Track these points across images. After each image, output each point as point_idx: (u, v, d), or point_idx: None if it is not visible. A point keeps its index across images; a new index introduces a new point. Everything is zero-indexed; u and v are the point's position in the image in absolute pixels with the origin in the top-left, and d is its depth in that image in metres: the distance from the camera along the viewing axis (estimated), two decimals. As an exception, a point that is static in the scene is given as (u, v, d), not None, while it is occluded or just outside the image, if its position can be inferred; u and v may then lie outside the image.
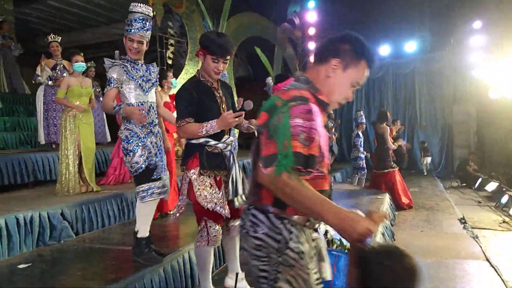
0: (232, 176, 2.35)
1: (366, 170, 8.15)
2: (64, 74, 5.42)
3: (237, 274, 2.51)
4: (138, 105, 2.67)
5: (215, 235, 2.30)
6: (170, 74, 4.33)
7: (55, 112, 5.41)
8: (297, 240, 1.37)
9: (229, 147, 2.39)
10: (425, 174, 11.58)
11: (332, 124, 9.19)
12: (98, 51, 8.13)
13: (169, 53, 8.03)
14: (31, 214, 3.23)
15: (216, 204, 2.28)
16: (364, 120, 8.18)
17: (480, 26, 11.31)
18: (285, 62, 12.87)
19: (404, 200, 6.99)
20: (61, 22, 9.07)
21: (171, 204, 4.21)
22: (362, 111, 8.46)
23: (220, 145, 2.34)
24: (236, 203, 2.39)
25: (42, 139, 5.46)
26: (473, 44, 11.39)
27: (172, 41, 8.31)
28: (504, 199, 7.36)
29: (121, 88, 2.65)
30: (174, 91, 4.53)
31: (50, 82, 5.44)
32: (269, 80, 6.27)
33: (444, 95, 12.46)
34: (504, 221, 6.28)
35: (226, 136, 2.38)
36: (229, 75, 9.43)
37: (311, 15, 13.21)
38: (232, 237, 2.53)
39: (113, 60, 2.70)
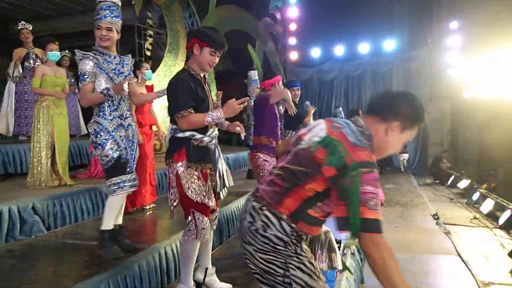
0: (218, 169, 2.37)
1: None
2: (37, 63, 5.23)
3: (206, 268, 2.53)
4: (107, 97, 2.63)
5: (203, 228, 2.29)
6: (146, 65, 4.21)
7: (26, 103, 5.24)
8: (301, 240, 1.58)
9: (214, 140, 2.39)
10: (402, 170, 11.68)
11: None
12: (74, 41, 7.86)
13: (147, 44, 7.86)
14: (0, 208, 3.11)
15: (204, 196, 2.29)
16: (343, 116, 8.26)
17: (457, 26, 11.61)
18: (265, 57, 12.84)
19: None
20: (36, 9, 8.74)
21: (148, 199, 4.14)
22: (340, 108, 8.54)
23: (206, 139, 2.34)
24: (221, 196, 2.42)
25: (3, 130, 5.27)
26: (449, 44, 11.68)
27: (151, 32, 8.14)
28: (476, 196, 7.60)
29: (94, 81, 2.59)
30: (149, 83, 4.44)
31: (16, 74, 5.24)
32: (252, 74, 6.22)
33: (420, 93, 12.69)
34: (475, 217, 6.48)
35: (211, 130, 2.39)
36: (209, 69, 9.34)
37: (293, 11, 13.24)
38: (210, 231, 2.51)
39: (84, 52, 2.62)
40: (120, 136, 2.67)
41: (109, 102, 2.64)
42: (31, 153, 4.04)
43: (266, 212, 1.56)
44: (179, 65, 7.93)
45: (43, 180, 3.99)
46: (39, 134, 4.01)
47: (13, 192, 3.80)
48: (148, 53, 7.99)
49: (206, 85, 2.43)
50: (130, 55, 2.87)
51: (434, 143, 12.30)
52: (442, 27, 11.90)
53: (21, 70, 5.26)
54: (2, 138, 5.82)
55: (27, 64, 5.31)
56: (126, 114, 2.74)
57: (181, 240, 2.38)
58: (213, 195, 2.39)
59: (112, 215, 2.70)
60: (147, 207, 4.16)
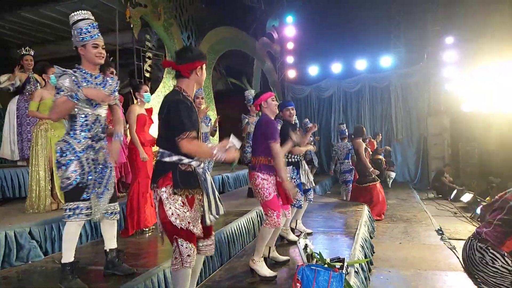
0: (206, 194, 2.26)
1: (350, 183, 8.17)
2: (37, 88, 5.25)
3: None
4: (81, 116, 2.56)
5: (188, 255, 2.18)
6: (145, 87, 4.23)
7: (29, 126, 5.19)
8: None
9: (202, 165, 2.29)
10: (389, 187, 11.33)
11: (312, 139, 9.23)
12: (72, 64, 7.95)
13: (146, 66, 7.93)
14: (-4, 234, 3.06)
15: (189, 223, 2.18)
16: (347, 133, 8.28)
17: (452, 41, 11.75)
18: (264, 75, 12.96)
19: (381, 209, 7.08)
20: (35, 34, 8.87)
21: (150, 220, 4.10)
22: (344, 124, 8.56)
23: (194, 163, 2.25)
24: (208, 222, 2.26)
25: (8, 155, 5.24)
26: (446, 59, 11.80)
27: (149, 54, 8.22)
28: (479, 210, 7.50)
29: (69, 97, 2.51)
30: (148, 105, 4.44)
31: (11, 89, 5.24)
32: (247, 94, 6.25)
33: (419, 108, 12.78)
34: (479, 232, 6.38)
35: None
36: (207, 89, 9.41)
37: (290, 30, 13.44)
38: (200, 256, 2.43)
39: (63, 69, 2.57)
40: (87, 159, 2.57)
41: (82, 121, 2.56)
42: (30, 176, 4.02)
43: (492, 251, 2.60)
44: (178, 85, 7.96)
45: (41, 204, 3.95)
46: (37, 158, 3.99)
47: (10, 216, 3.75)
48: (147, 75, 8.04)
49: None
50: (115, 77, 2.83)
51: (435, 157, 12.28)
52: (438, 42, 12.04)
53: (18, 82, 5.25)
54: (2, 162, 5.79)
55: (28, 87, 5.32)
56: (99, 136, 2.65)
57: (171, 270, 2.27)
58: (199, 221, 2.26)
59: (69, 246, 2.56)
60: (147, 229, 4.11)
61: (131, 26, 7.17)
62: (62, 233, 3.52)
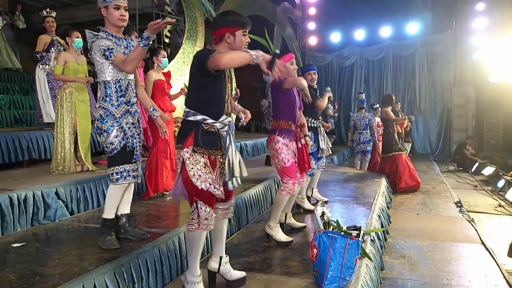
0: (228, 157, 2.24)
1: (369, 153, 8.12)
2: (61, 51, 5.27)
3: (220, 257, 2.46)
4: (115, 82, 2.57)
5: (206, 218, 2.20)
6: (163, 52, 4.19)
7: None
8: None
9: (226, 128, 2.27)
10: None
11: (332, 108, 9.12)
12: (92, 29, 7.95)
13: (166, 32, 7.86)
14: (25, 193, 3.19)
15: (210, 184, 2.19)
16: (365, 104, 8.14)
17: (483, 8, 11.15)
18: (284, 42, 12.67)
19: (409, 182, 6.97)
20: (55, -3, 8.87)
21: (170, 184, 4.19)
22: (364, 94, 8.41)
23: (218, 125, 2.24)
24: (230, 186, 2.27)
25: (45, 118, 5.26)
26: (475, 26, 11.25)
27: (169, 19, 8.13)
28: (501, 183, 7.38)
29: (103, 59, 2.51)
30: (167, 69, 4.43)
31: (39, 56, 5.27)
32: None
33: (444, 78, 12.37)
34: (500, 205, 6.31)
35: (224, 116, 2.29)
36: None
37: (312, -6, 12.97)
38: (221, 220, 2.44)
39: (95, 32, 2.55)
40: (127, 123, 2.61)
41: (116, 86, 2.57)
42: (55, 139, 4.13)
43: None
44: (197, 51, 7.90)
45: (66, 166, 4.08)
46: (62, 121, 4.09)
47: (37, 177, 3.89)
48: (167, 40, 7.99)
49: (229, 71, 2.35)
50: (134, 38, 2.79)
51: (458, 129, 11.98)
52: (468, 9, 11.45)
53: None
54: (27, 125, 5.94)
55: (53, 50, 5.35)
56: (133, 101, 2.68)
57: (185, 230, 2.31)
58: (221, 184, 2.27)
59: (113, 204, 2.67)
60: (167, 192, 4.21)
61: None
62: (86, 194, 3.68)
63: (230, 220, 3.65)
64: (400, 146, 7.29)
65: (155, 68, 4.14)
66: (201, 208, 2.20)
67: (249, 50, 2.12)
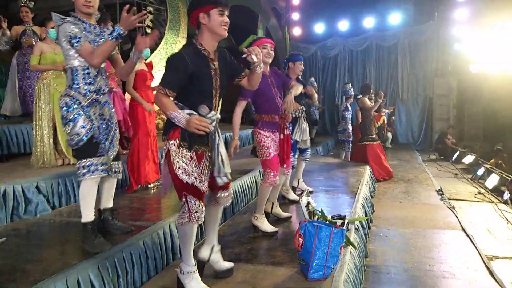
0: (218, 153, 2.21)
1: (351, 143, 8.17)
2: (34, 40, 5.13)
3: (212, 246, 2.48)
4: (83, 69, 2.44)
5: (196, 211, 2.18)
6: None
7: (29, 80, 5.05)
8: None
9: (214, 123, 2.22)
10: (387, 147, 11.27)
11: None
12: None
13: (148, 22, 7.71)
14: (4, 188, 3.12)
15: (196, 178, 2.16)
16: (352, 93, 8.15)
17: (464, -2, 11.29)
18: (268, 32, 12.61)
19: (380, 172, 7.12)
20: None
21: (152, 176, 4.15)
22: (350, 84, 8.41)
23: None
24: (220, 181, 2.24)
25: (10, 111, 5.18)
26: (457, 17, 11.38)
27: (151, 9, 7.98)
28: (480, 171, 7.58)
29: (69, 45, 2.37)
30: (149, 60, 4.35)
31: (7, 47, 5.12)
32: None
33: (426, 68, 12.52)
34: (479, 193, 6.47)
35: (213, 113, 2.23)
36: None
37: (296, -15, 12.90)
38: (216, 208, 2.46)
39: (62, 16, 2.42)
40: (95, 113, 2.46)
41: (85, 73, 2.44)
42: (34, 132, 4.03)
43: None
44: (180, 42, 7.80)
45: (46, 159, 3.99)
46: (40, 113, 3.98)
47: (17, 172, 3.80)
48: (149, 30, 7.84)
49: (218, 62, 2.26)
50: (110, 26, 2.65)
51: (439, 118, 12.18)
52: (449, -1, 11.59)
53: (8, 35, 5.13)
54: (6, 119, 5.79)
55: (24, 39, 5.21)
56: (103, 90, 2.53)
57: (177, 223, 2.28)
58: (206, 179, 2.23)
59: (87, 205, 2.43)
60: (151, 185, 4.17)
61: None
62: (68, 188, 3.61)
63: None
64: (374, 136, 7.37)
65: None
66: (191, 202, 2.17)
67: (173, 113, 2.08)
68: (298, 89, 3.37)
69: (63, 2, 8.83)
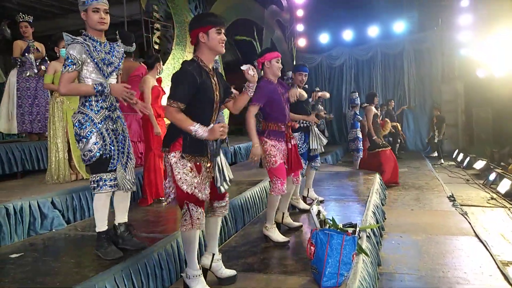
0: (217, 163, 2.31)
1: (361, 151, 8.17)
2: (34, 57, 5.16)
3: (213, 254, 2.55)
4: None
5: (198, 218, 2.28)
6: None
7: (30, 99, 5.09)
8: None
9: None
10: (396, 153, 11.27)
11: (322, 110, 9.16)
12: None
13: (155, 38, 7.87)
14: (21, 204, 3.19)
15: (195, 187, 2.25)
16: (358, 102, 8.19)
17: (468, 4, 11.32)
18: (273, 44, 12.74)
19: (393, 177, 7.10)
20: (42, 8, 8.82)
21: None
22: (356, 93, 8.47)
23: None
24: (222, 189, 2.33)
25: (4, 128, 5.16)
26: (461, 23, 11.41)
27: (158, 26, 8.14)
28: (492, 176, 7.50)
29: (80, 70, 2.46)
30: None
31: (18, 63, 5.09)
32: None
33: (432, 74, 12.52)
34: (492, 198, 6.41)
35: (212, 124, 2.30)
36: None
37: (299, -3, 13.05)
38: (215, 218, 2.53)
39: (73, 37, 2.47)
40: (107, 130, 2.53)
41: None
42: (48, 148, 4.12)
43: None
44: (188, 57, 7.93)
45: (61, 175, 4.07)
46: (55, 130, 4.08)
47: (33, 188, 3.88)
48: (157, 47, 7.99)
49: (216, 77, 2.37)
50: (120, 42, 2.74)
51: (448, 124, 12.11)
52: (453, 5, 11.63)
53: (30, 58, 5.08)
54: (18, 137, 5.89)
55: (28, 56, 5.13)
56: (114, 106, 2.61)
57: (180, 231, 2.35)
58: (206, 188, 2.30)
59: (100, 216, 2.57)
60: (163, 198, 4.22)
61: (139, -4, 7.08)
62: (82, 202, 3.68)
63: (227, 222, 3.68)
64: (385, 142, 7.40)
65: (155, 74, 4.18)
66: (192, 209, 2.28)
67: (194, 126, 2.18)
68: (302, 92, 3.59)
69: (70, 21, 9.08)
